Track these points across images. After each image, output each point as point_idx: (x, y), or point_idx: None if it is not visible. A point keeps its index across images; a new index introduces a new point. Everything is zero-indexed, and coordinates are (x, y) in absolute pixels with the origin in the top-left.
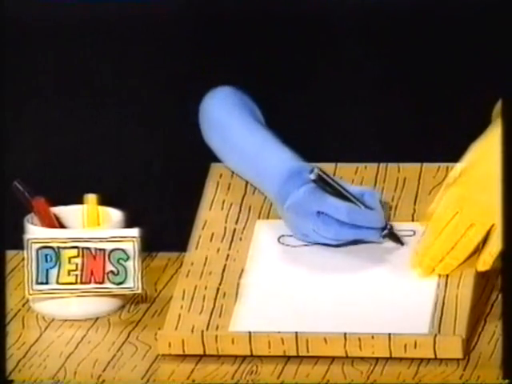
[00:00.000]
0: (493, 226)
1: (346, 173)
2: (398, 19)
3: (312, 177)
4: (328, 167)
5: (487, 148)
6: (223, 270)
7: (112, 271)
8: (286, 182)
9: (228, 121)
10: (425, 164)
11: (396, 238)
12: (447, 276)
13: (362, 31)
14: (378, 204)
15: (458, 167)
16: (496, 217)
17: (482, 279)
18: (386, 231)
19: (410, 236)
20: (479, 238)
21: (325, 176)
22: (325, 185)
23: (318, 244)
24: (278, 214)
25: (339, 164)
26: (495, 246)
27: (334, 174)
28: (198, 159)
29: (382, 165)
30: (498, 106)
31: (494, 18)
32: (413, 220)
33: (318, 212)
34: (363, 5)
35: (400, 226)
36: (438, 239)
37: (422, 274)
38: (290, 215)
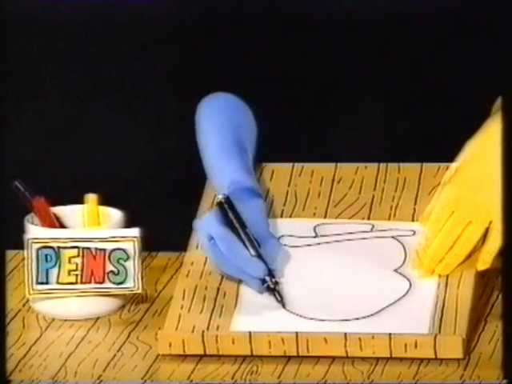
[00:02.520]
0: (490, 223)
1: (346, 173)
2: (398, 19)
3: (217, 200)
4: (328, 167)
5: (482, 145)
6: None
7: (112, 271)
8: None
9: (207, 129)
10: (425, 164)
11: (278, 295)
12: (447, 276)
13: (361, 32)
14: (276, 256)
15: (453, 166)
16: (493, 214)
17: (482, 279)
18: (266, 284)
19: (410, 236)
20: (477, 236)
21: (228, 206)
22: (226, 214)
23: (320, 244)
24: None
25: (339, 164)
26: (494, 243)
27: (334, 174)
28: (199, 159)
29: (382, 165)
30: (498, 102)
31: (494, 18)
32: (413, 220)
33: (211, 237)
34: (363, 6)
35: (400, 226)
36: (436, 239)
37: (422, 275)
38: (196, 231)
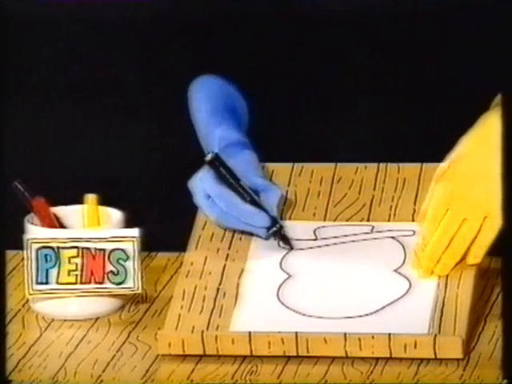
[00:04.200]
0: (485, 218)
1: (346, 173)
2: (398, 19)
3: (207, 159)
4: (328, 167)
5: (475, 141)
6: (223, 270)
7: (112, 271)
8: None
9: (199, 99)
10: (425, 164)
11: (285, 240)
12: (447, 276)
13: (361, 30)
14: (274, 203)
15: (445, 162)
16: (487, 209)
17: (482, 279)
18: (272, 229)
19: (410, 236)
20: (473, 233)
21: (218, 163)
22: (221, 169)
23: (320, 247)
24: None
25: (339, 164)
26: (486, 238)
27: (334, 174)
28: (199, 159)
29: (382, 165)
30: (496, 99)
31: (495, 18)
32: (413, 220)
33: (208, 195)
34: (364, 3)
35: (400, 226)
36: (432, 238)
37: (422, 276)
38: (191, 192)
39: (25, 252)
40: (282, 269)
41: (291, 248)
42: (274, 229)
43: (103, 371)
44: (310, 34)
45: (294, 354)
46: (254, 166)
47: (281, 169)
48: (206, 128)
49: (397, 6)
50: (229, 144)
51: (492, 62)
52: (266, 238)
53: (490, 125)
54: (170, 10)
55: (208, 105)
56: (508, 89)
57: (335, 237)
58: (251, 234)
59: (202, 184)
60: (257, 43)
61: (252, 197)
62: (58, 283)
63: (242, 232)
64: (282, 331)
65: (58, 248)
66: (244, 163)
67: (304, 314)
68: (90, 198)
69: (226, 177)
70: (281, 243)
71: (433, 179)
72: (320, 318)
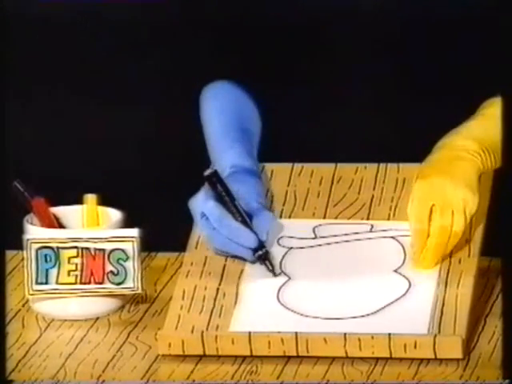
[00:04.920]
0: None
1: (345, 173)
2: (399, 21)
3: (205, 173)
4: (327, 167)
5: (448, 139)
6: (223, 270)
7: (112, 271)
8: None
9: (211, 112)
10: None
11: (269, 264)
12: (447, 276)
13: (362, 32)
14: (266, 227)
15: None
16: (455, 204)
17: (482, 279)
18: (257, 254)
19: (410, 236)
20: (462, 225)
21: (216, 179)
22: (215, 187)
23: (320, 245)
24: None
25: (339, 164)
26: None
27: (334, 174)
28: (198, 159)
29: (382, 165)
30: (485, 104)
31: (495, 18)
32: None
33: (203, 213)
34: (366, 6)
35: (400, 226)
36: (430, 238)
37: (427, 267)
38: (191, 211)
39: (24, 252)
40: (281, 269)
41: (274, 275)
42: (260, 252)
43: (103, 371)
44: (311, 35)
45: (294, 354)
46: (256, 192)
47: (281, 169)
48: (217, 145)
49: (397, 9)
50: (238, 171)
51: (492, 62)
52: (252, 262)
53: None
54: (173, 6)
55: (221, 118)
56: (508, 90)
57: (334, 235)
58: (240, 259)
59: (198, 202)
60: (256, 44)
61: (244, 218)
62: (57, 283)
63: (232, 257)
64: (281, 331)
65: (58, 248)
66: (247, 188)
67: (304, 314)
68: (90, 198)
69: (222, 194)
70: (266, 267)
71: (413, 182)
72: (320, 318)
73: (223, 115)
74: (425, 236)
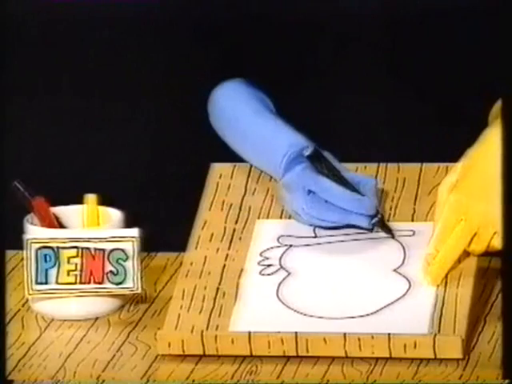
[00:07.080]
0: (494, 234)
1: None
2: (402, 19)
3: (306, 153)
4: None
5: (484, 154)
6: (223, 270)
7: (111, 271)
8: (290, 160)
9: (237, 107)
10: (425, 164)
11: (386, 228)
12: (447, 276)
13: (364, 31)
14: (373, 192)
15: (456, 169)
16: (498, 226)
17: (482, 279)
18: (375, 219)
19: (410, 236)
20: (482, 248)
21: (320, 155)
22: (319, 164)
23: (319, 244)
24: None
25: None
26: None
27: None
28: (198, 159)
29: (382, 165)
30: (495, 109)
31: (495, 18)
32: (413, 220)
33: (309, 190)
34: (372, 4)
35: (400, 226)
36: (444, 248)
37: (432, 283)
38: (284, 192)
39: (24, 252)
40: (281, 267)
41: (392, 236)
42: (376, 218)
43: (103, 371)
44: (311, 35)
45: (294, 353)
46: (339, 164)
47: None
48: (260, 131)
49: (402, 7)
50: (298, 150)
51: (492, 63)
52: (368, 228)
53: (495, 138)
54: (175, 5)
55: (253, 106)
56: (508, 91)
57: (335, 235)
58: (347, 226)
59: (302, 180)
60: (256, 45)
61: (354, 187)
62: (57, 283)
63: (345, 226)
64: (281, 331)
65: (58, 248)
66: (332, 162)
67: (303, 314)
68: (90, 198)
69: (327, 170)
70: (382, 232)
71: (439, 190)
72: (320, 317)
73: (253, 103)
74: (443, 245)
